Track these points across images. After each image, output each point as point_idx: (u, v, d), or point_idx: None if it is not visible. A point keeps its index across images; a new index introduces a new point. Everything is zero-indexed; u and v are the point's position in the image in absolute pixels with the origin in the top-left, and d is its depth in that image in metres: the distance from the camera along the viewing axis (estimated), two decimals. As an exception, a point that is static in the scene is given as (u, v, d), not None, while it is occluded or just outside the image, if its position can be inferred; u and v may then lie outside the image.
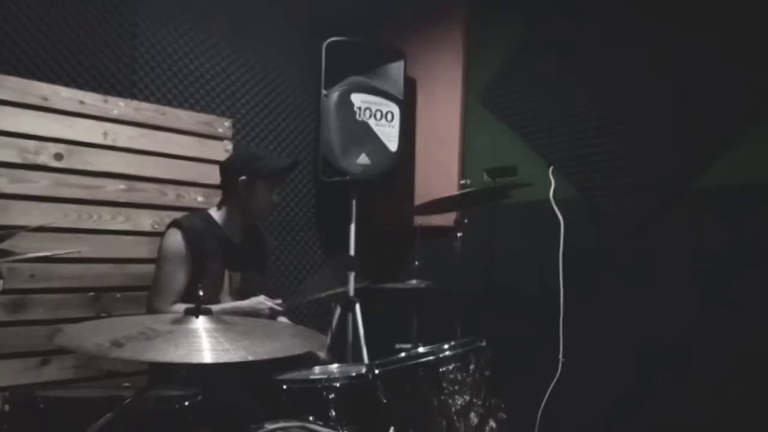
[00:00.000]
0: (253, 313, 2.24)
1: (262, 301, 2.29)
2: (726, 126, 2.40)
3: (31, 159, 2.39)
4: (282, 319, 2.41)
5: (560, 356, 2.79)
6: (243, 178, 2.35)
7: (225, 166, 2.47)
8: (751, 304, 2.30)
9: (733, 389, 2.30)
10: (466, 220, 2.93)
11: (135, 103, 2.70)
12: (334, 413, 1.82)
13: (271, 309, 2.29)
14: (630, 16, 2.67)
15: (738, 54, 2.36)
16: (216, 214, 2.40)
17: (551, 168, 2.93)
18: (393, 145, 3.34)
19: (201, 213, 2.41)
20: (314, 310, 3.44)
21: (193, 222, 2.30)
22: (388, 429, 1.79)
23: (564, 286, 2.82)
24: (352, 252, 3.28)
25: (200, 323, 1.50)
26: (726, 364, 2.33)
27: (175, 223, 2.28)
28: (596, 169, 2.76)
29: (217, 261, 2.30)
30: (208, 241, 2.28)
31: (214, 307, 2.16)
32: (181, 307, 2.07)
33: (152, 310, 2.22)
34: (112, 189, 2.61)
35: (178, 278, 2.22)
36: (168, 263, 2.23)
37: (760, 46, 2.31)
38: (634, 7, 2.65)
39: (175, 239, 2.24)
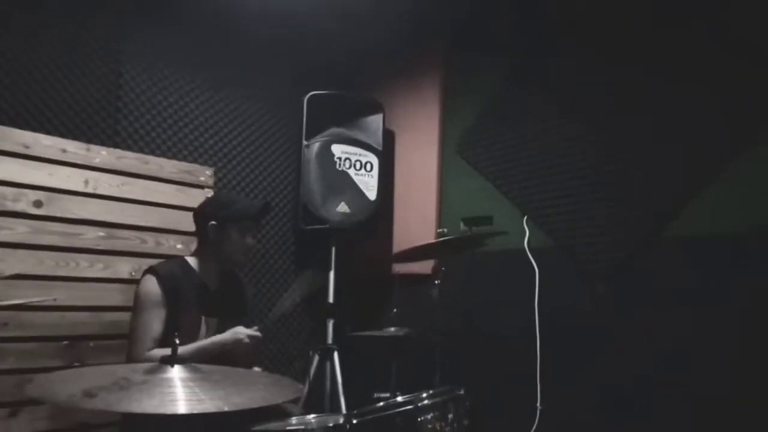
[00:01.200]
0: (232, 345, 2.23)
1: (239, 331, 2.27)
2: (697, 176, 2.48)
3: (10, 206, 2.39)
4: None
5: (538, 404, 2.79)
6: (213, 223, 2.36)
7: (197, 213, 2.48)
8: (720, 350, 2.34)
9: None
10: (443, 268, 2.97)
11: (117, 151, 2.73)
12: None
13: (250, 336, 2.27)
14: (603, 66, 2.77)
15: (710, 106, 2.45)
16: (192, 261, 2.40)
17: (525, 217, 2.99)
18: (372, 194, 3.39)
19: (177, 259, 2.41)
20: (292, 359, 3.41)
21: (168, 268, 2.30)
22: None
23: (540, 334, 2.84)
24: (331, 299, 3.28)
25: (175, 372, 1.49)
26: (700, 408, 2.35)
27: (150, 270, 2.28)
28: (569, 218, 2.83)
29: (193, 307, 2.29)
30: (184, 288, 2.28)
31: (190, 347, 2.16)
32: (158, 352, 2.06)
33: (131, 358, 2.19)
34: (92, 236, 2.60)
35: (155, 325, 2.20)
36: (144, 310, 2.22)
37: (733, 97, 2.40)
38: (608, 58, 2.76)
39: (151, 286, 2.23)
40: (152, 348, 2.17)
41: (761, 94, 2.33)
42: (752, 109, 2.35)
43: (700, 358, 2.38)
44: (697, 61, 2.50)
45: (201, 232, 2.43)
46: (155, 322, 2.20)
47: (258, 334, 2.30)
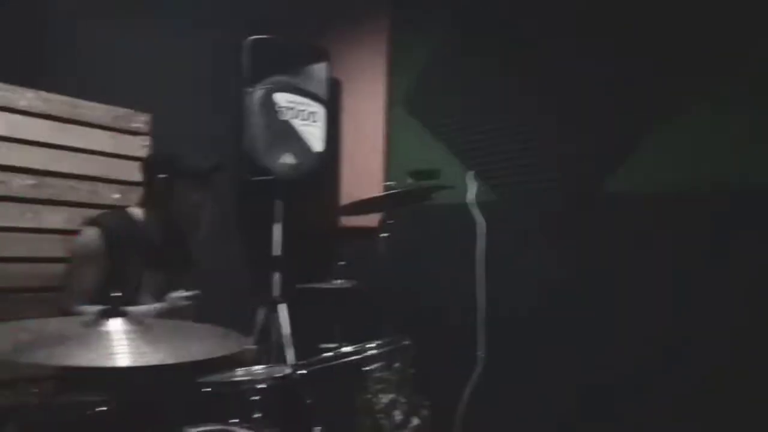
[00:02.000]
0: (174, 309, 2.18)
1: (175, 297, 2.23)
2: (637, 130, 2.53)
3: (-73, 151, 2.22)
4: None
5: (479, 352, 2.87)
6: (162, 176, 2.28)
7: (145, 163, 2.39)
8: (653, 300, 2.45)
9: (646, 381, 2.44)
10: (390, 221, 2.96)
11: (44, 94, 2.56)
12: (258, 414, 1.79)
13: (189, 297, 2.22)
14: (550, 17, 2.77)
15: (652, 61, 2.49)
16: (135, 212, 2.31)
17: (471, 172, 3.01)
18: (318, 146, 3.32)
19: (119, 211, 2.32)
20: (238, 311, 3.37)
21: (111, 220, 2.21)
22: (313, 429, 1.79)
23: (483, 285, 2.90)
24: (277, 252, 3.24)
25: (115, 325, 1.44)
26: (639, 358, 2.46)
27: (92, 221, 2.18)
28: (513, 173, 2.86)
29: (136, 261, 2.22)
30: (127, 240, 2.20)
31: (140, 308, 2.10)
32: (89, 308, 1.99)
33: (61, 311, 2.11)
34: (21, 184, 2.46)
35: (90, 278, 2.12)
36: (81, 262, 2.13)
37: (671, 54, 2.45)
38: (555, 8, 2.76)
39: (91, 237, 2.14)
40: (84, 302, 2.09)
41: (699, 51, 2.38)
42: (691, 65, 2.41)
43: (636, 314, 2.48)
44: (637, 13, 2.52)
45: (148, 184, 2.33)
46: (90, 275, 2.12)
47: (197, 296, 2.25)
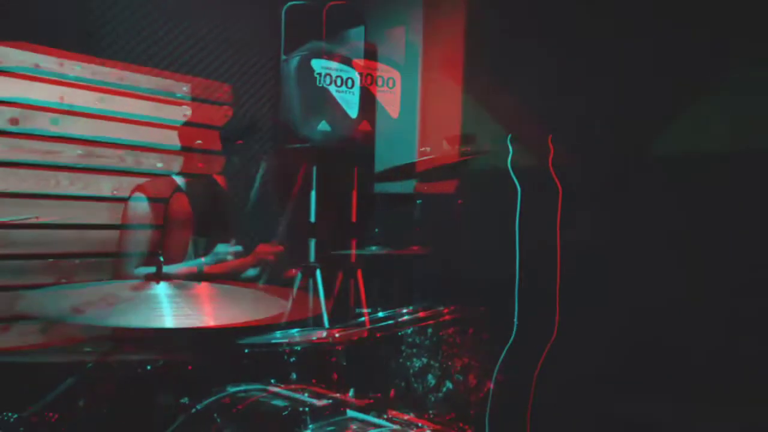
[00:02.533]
0: (258, 265, 2.27)
1: (262, 252, 2.40)
2: (681, 96, 2.47)
3: (-15, 123, 2.34)
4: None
5: (515, 319, 2.89)
6: (199, 142, 2.34)
7: (183, 131, 2.45)
8: (703, 269, 2.41)
9: (693, 355, 2.42)
10: (426, 187, 2.99)
11: (92, 66, 2.64)
12: (295, 376, 1.87)
13: (274, 253, 2.34)
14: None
15: (696, 25, 2.42)
16: (179, 179, 2.39)
17: (510, 136, 2.99)
18: (353, 112, 3.34)
19: (165, 179, 2.41)
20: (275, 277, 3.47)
21: (157, 187, 2.30)
22: (348, 391, 1.86)
23: (521, 252, 2.90)
24: (312, 219, 3.30)
25: (162, 288, 1.52)
26: (683, 326, 2.44)
27: (139, 188, 2.28)
28: (554, 137, 2.82)
29: (182, 226, 2.30)
30: (173, 207, 2.28)
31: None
32: (146, 271, 2.09)
33: (118, 274, 2.22)
34: (71, 154, 2.56)
35: (143, 243, 2.22)
36: (133, 228, 2.22)
37: (715, 18, 2.37)
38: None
39: (140, 204, 2.24)
40: (140, 266, 2.19)
41: (744, 15, 2.29)
42: (737, 29, 2.32)
43: (686, 278, 2.45)
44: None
45: (189, 151, 2.41)
46: (143, 240, 2.22)
47: (279, 248, 2.32)
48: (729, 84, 2.34)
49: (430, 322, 2.02)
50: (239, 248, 2.35)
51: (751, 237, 2.28)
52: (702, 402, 2.32)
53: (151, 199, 2.24)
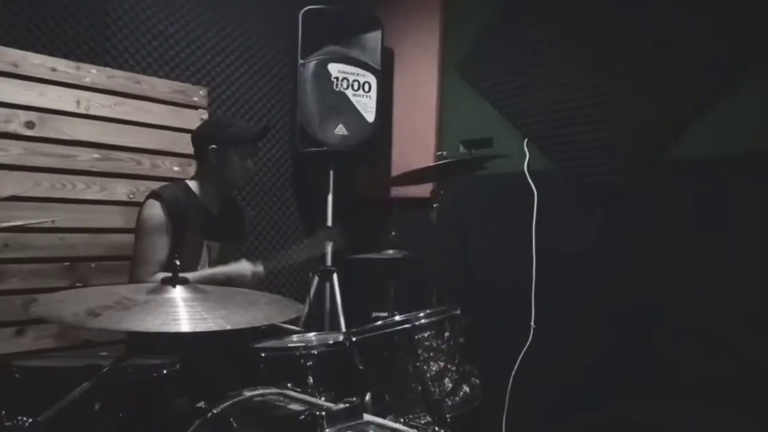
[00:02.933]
0: (236, 278, 2.26)
1: (244, 267, 2.33)
2: (695, 99, 2.44)
3: (2, 127, 2.35)
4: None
5: (532, 323, 2.86)
6: (213, 146, 2.34)
7: (195, 136, 2.45)
8: (718, 273, 2.37)
9: (703, 358, 2.38)
10: (442, 191, 2.97)
11: (108, 70, 2.66)
12: (311, 380, 1.86)
13: (254, 273, 2.31)
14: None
15: (711, 27, 2.39)
16: (193, 185, 2.39)
17: (526, 140, 2.96)
18: (370, 116, 3.33)
19: (179, 183, 2.41)
20: (293, 280, 3.47)
21: (171, 193, 2.30)
22: (365, 395, 1.84)
23: (536, 256, 2.87)
24: (329, 222, 3.30)
25: (177, 293, 1.51)
26: (695, 332, 2.40)
27: (153, 194, 2.28)
28: (570, 141, 2.80)
29: (196, 232, 2.30)
30: (187, 212, 2.28)
31: (194, 274, 2.19)
32: (163, 276, 2.08)
33: (134, 281, 2.22)
34: (86, 158, 2.58)
35: (159, 249, 2.22)
36: (148, 234, 2.23)
37: (734, 18, 2.33)
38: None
39: (155, 210, 2.23)
40: (157, 272, 2.19)
41: (762, 14, 2.25)
42: (753, 29, 2.28)
43: (699, 283, 2.41)
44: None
45: (200, 156, 2.41)
46: (159, 246, 2.21)
47: (261, 270, 2.34)
48: (744, 85, 2.31)
49: (447, 325, 1.98)
50: (261, 270, 2.37)
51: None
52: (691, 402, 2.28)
53: (165, 205, 2.24)
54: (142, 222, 2.25)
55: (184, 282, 1.55)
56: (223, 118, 2.82)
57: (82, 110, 2.55)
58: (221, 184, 2.41)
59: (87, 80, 2.57)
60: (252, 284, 2.34)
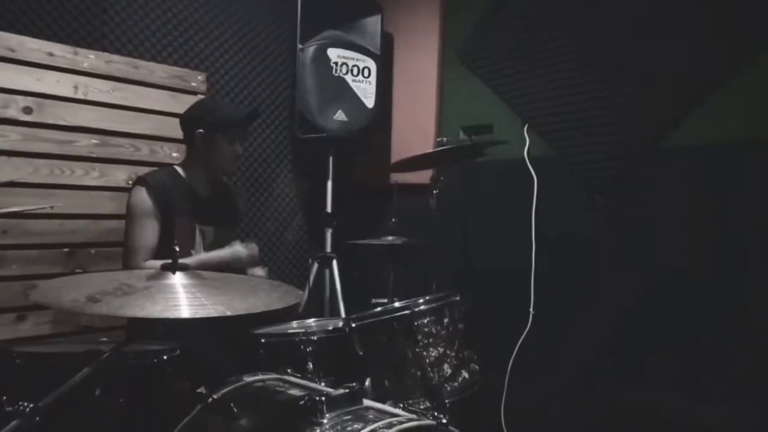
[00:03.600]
0: (231, 261, 2.25)
1: (238, 250, 2.31)
2: (696, 86, 2.43)
3: (0, 113, 2.33)
4: (258, 271, 2.44)
5: (531, 309, 2.87)
6: (201, 131, 2.32)
7: (183, 120, 2.43)
8: (719, 259, 2.37)
9: (702, 344, 2.39)
10: (442, 178, 2.95)
11: (106, 55, 2.64)
12: (311, 366, 1.86)
13: (249, 254, 2.30)
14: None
15: (709, 17, 2.37)
16: (181, 169, 2.38)
17: (526, 126, 2.95)
18: (370, 102, 3.31)
19: (167, 168, 2.40)
20: (292, 266, 3.47)
21: (158, 178, 2.28)
22: (365, 380, 1.84)
23: (536, 242, 2.87)
24: (329, 209, 3.29)
25: (177, 279, 1.51)
26: (695, 317, 2.41)
27: (140, 181, 2.26)
28: (570, 127, 2.79)
29: (186, 216, 2.29)
30: (176, 197, 2.27)
31: (192, 258, 2.19)
32: (155, 263, 2.08)
33: (127, 269, 2.21)
34: (85, 144, 2.56)
35: (149, 235, 2.21)
36: (137, 221, 2.22)
37: (734, 6, 2.32)
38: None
39: (142, 196, 2.22)
40: (148, 259, 2.18)
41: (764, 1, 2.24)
42: (755, 16, 2.26)
43: (699, 269, 2.41)
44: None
45: (188, 140, 2.39)
46: (148, 232, 2.21)
47: (255, 251, 2.32)
48: (745, 70, 2.30)
49: (446, 311, 1.99)
50: (255, 251, 2.35)
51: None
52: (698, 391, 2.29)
53: (152, 190, 2.22)
54: (130, 209, 2.24)
55: (184, 268, 1.55)
56: (211, 102, 2.77)
57: (80, 96, 2.54)
58: (209, 168, 2.40)
59: (85, 65, 2.55)
60: (248, 265, 2.33)
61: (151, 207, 2.21)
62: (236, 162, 2.47)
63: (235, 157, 2.42)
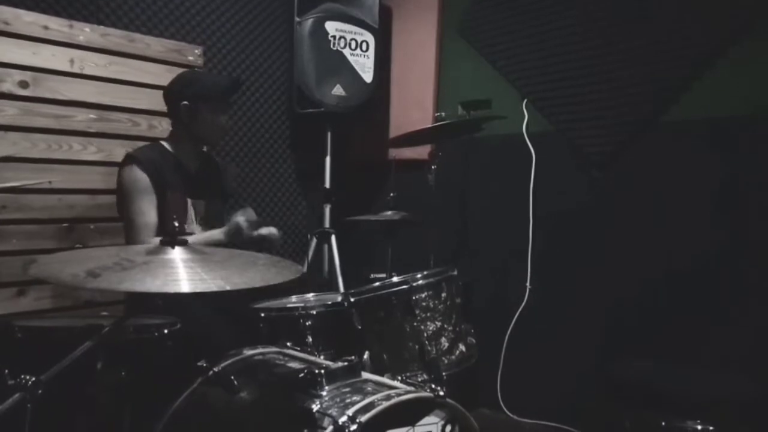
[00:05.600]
0: (233, 234, 2.21)
1: (235, 221, 2.21)
2: (695, 60, 2.42)
3: (-5, 86, 2.32)
4: (266, 231, 2.39)
5: (528, 284, 2.89)
6: (185, 103, 2.30)
7: (166, 93, 2.39)
8: (716, 233, 2.39)
9: (698, 317, 2.41)
10: (440, 153, 2.95)
11: (102, 28, 2.61)
12: (310, 339, 1.88)
13: (247, 221, 2.21)
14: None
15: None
16: (168, 144, 2.37)
17: (525, 101, 2.94)
18: (368, 76, 3.29)
19: (153, 144, 2.38)
20: (291, 242, 3.48)
21: (147, 154, 2.26)
22: (363, 354, 1.86)
23: (533, 217, 2.88)
24: (327, 184, 3.29)
25: (176, 254, 1.51)
26: (691, 290, 2.43)
27: (129, 158, 2.24)
28: (568, 102, 2.78)
29: (178, 190, 2.28)
30: (166, 172, 2.25)
31: (191, 238, 2.19)
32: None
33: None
34: (83, 118, 2.55)
35: (151, 212, 2.19)
36: (136, 198, 2.20)
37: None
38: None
39: (136, 173, 2.20)
40: (153, 235, 2.18)
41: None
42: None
43: (696, 244, 2.43)
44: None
45: (173, 113, 2.37)
46: (149, 207, 2.19)
47: (252, 214, 2.25)
48: (745, 44, 2.28)
49: (444, 286, 2.00)
50: (254, 217, 2.28)
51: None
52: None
53: (143, 166, 2.21)
54: (126, 187, 2.21)
55: (183, 243, 1.55)
56: (191, 74, 2.70)
57: (76, 70, 2.52)
58: (196, 140, 2.38)
59: (80, 39, 2.53)
60: (251, 230, 2.26)
61: (147, 183, 2.19)
62: (222, 133, 2.45)
63: (220, 127, 2.39)
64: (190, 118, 2.31)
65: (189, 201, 2.33)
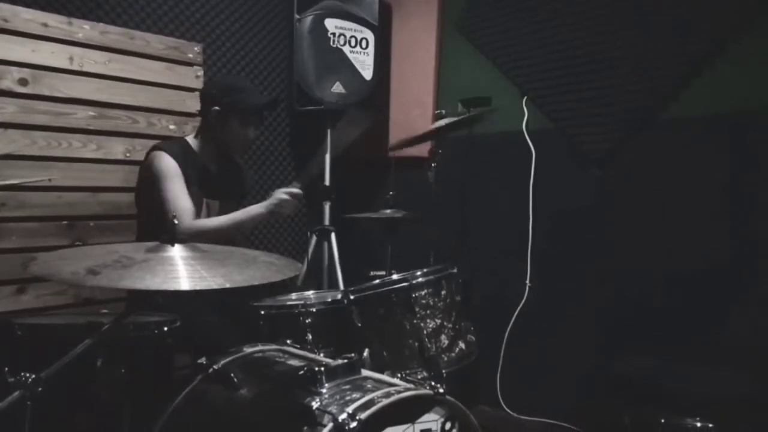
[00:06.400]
0: (275, 208, 2.21)
1: (277, 195, 2.23)
2: (691, 58, 2.42)
3: (-6, 84, 2.32)
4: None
5: (527, 281, 2.89)
6: (216, 108, 2.30)
7: (203, 93, 2.41)
8: (717, 230, 2.38)
9: (700, 314, 2.41)
10: (440, 150, 2.95)
11: (101, 26, 2.60)
12: (310, 337, 1.88)
13: (290, 193, 2.22)
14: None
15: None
16: (193, 142, 2.37)
17: (525, 98, 2.94)
18: (368, 74, 3.29)
19: (178, 140, 2.39)
20: (291, 239, 3.48)
21: (172, 147, 2.27)
22: (363, 351, 1.86)
23: (533, 214, 2.88)
24: (327, 182, 3.29)
25: (176, 251, 1.51)
26: (691, 287, 2.43)
27: (157, 147, 2.25)
28: (568, 99, 2.78)
29: (195, 188, 2.28)
30: (188, 168, 2.25)
31: (223, 218, 2.21)
32: (204, 222, 2.17)
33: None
34: (82, 116, 2.55)
35: (185, 195, 2.18)
36: (171, 182, 2.18)
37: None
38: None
39: (167, 160, 2.19)
40: (192, 218, 2.16)
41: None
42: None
43: (696, 240, 2.43)
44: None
45: (204, 114, 2.37)
46: (184, 192, 2.19)
47: (298, 190, 2.25)
48: (745, 42, 2.28)
49: (444, 283, 2.00)
50: (298, 191, 2.25)
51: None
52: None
53: (172, 155, 2.21)
54: (159, 174, 2.18)
55: (183, 241, 1.55)
56: (232, 80, 2.66)
57: (75, 67, 2.52)
58: (220, 146, 2.39)
59: (80, 36, 2.53)
60: (294, 205, 2.25)
61: (178, 170, 2.19)
62: (247, 145, 2.46)
63: (247, 140, 2.39)
64: (219, 124, 2.31)
65: (204, 201, 2.33)
